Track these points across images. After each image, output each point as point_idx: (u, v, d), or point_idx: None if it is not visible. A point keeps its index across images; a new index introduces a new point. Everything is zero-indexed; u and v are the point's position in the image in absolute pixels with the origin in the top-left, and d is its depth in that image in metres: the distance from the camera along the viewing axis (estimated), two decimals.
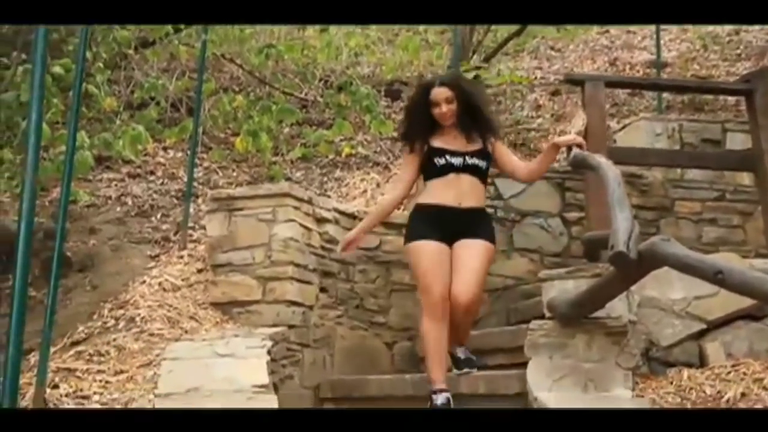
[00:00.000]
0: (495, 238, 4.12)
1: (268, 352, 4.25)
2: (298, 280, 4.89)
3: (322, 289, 5.19)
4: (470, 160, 4.02)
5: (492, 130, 4.16)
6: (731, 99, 7.72)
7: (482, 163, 4.06)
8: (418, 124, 4.10)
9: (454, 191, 3.98)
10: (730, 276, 3.02)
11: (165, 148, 7.12)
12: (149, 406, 3.65)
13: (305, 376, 4.86)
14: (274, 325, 4.68)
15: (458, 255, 3.96)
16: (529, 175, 4.19)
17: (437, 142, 4.08)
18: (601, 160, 4.36)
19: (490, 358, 4.71)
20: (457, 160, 4.00)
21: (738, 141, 6.55)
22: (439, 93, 4.03)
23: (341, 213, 5.47)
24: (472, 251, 3.96)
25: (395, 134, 7.67)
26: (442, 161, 4.00)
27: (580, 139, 4.07)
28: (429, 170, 4.07)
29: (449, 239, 3.98)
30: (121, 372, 4.00)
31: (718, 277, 3.04)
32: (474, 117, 4.08)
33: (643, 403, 3.98)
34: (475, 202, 4.03)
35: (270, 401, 3.72)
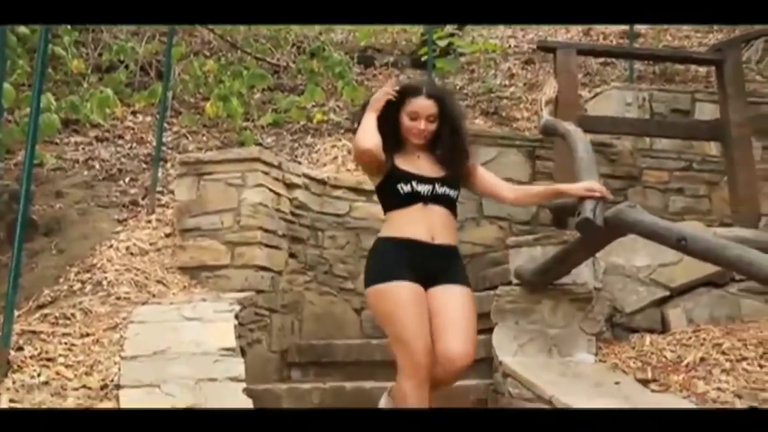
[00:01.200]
0: (468, 280, 3.34)
1: (236, 316, 4.25)
2: (267, 245, 4.88)
3: (291, 255, 5.19)
4: (440, 189, 3.23)
5: (467, 156, 3.38)
6: (702, 70, 7.78)
7: (453, 193, 3.29)
8: (385, 131, 3.21)
9: (425, 225, 3.19)
10: (693, 243, 3.07)
11: (134, 112, 7.04)
12: (115, 368, 3.64)
13: (273, 341, 4.87)
14: (243, 290, 4.67)
15: (442, 306, 3.15)
16: (516, 199, 3.48)
17: (402, 162, 3.25)
18: (570, 127, 4.39)
19: None
20: (424, 188, 3.20)
21: (707, 111, 6.61)
22: (424, 106, 3.25)
23: (311, 179, 5.45)
24: (456, 302, 3.17)
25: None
26: (407, 188, 3.19)
27: (588, 190, 3.35)
28: (390, 197, 3.24)
29: (423, 281, 3.16)
30: (87, 335, 3.98)
31: (681, 244, 3.09)
32: (452, 143, 3.30)
33: (605, 368, 4.05)
34: (448, 238, 3.24)
35: (236, 364, 3.72)
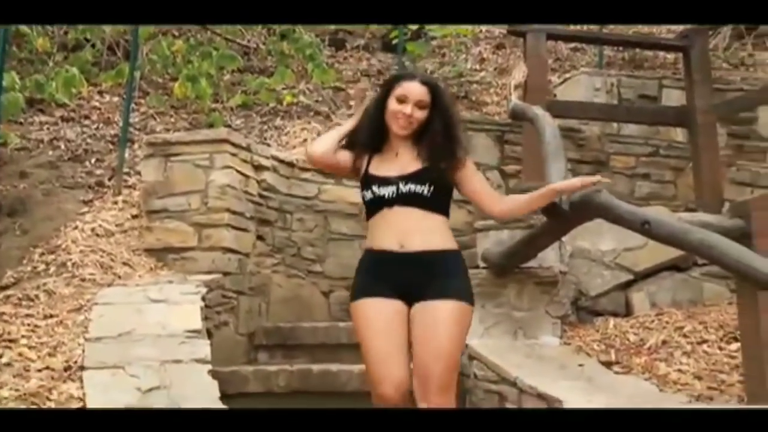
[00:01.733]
0: (470, 291, 2.81)
1: (203, 299, 4.23)
2: (235, 228, 4.86)
3: (259, 237, 5.17)
4: (405, 187, 2.81)
5: (453, 153, 2.90)
6: (670, 57, 7.84)
7: (421, 188, 2.82)
8: (369, 128, 2.92)
9: (391, 231, 2.81)
10: (657, 227, 3.12)
11: (101, 92, 6.93)
12: (79, 350, 3.61)
13: (240, 323, 4.86)
14: (210, 272, 4.65)
15: (417, 328, 2.72)
16: (501, 212, 2.96)
17: (375, 165, 2.91)
18: (538, 112, 4.42)
19: None
20: (387, 191, 2.82)
21: (674, 97, 6.66)
22: (415, 90, 2.85)
23: (280, 161, 5.43)
24: (435, 321, 2.70)
25: (337, 83, 7.64)
26: (369, 194, 2.86)
27: (581, 183, 2.97)
28: (364, 205, 2.94)
29: (404, 294, 2.77)
30: (51, 316, 3.94)
31: (645, 228, 3.14)
32: (442, 136, 2.87)
33: (570, 351, 4.10)
34: (425, 243, 2.78)
35: (202, 346, 3.71)
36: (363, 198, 2.90)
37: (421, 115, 2.85)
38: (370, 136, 2.90)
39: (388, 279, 2.77)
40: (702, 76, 5.73)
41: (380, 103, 2.89)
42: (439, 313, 2.70)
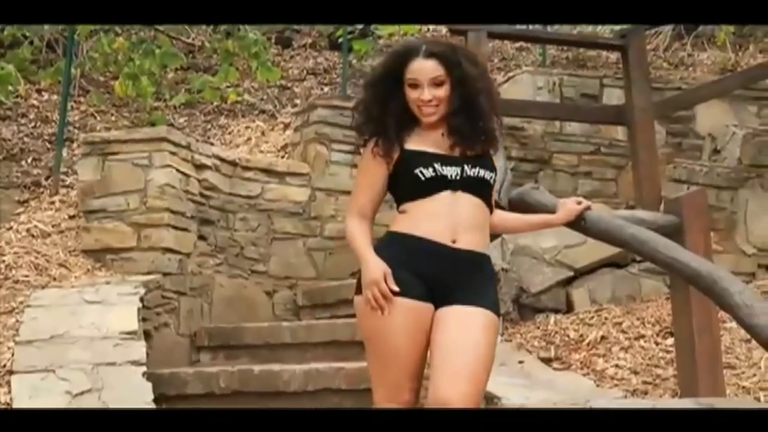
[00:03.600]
0: (498, 304, 2.56)
1: (141, 300, 4.17)
2: (175, 227, 4.80)
3: (201, 237, 5.10)
4: (471, 170, 2.48)
5: (495, 135, 2.58)
6: (612, 56, 7.95)
7: (489, 174, 2.52)
8: (389, 111, 2.51)
9: (446, 220, 2.43)
10: (592, 223, 3.15)
11: (39, 90, 6.79)
12: (8, 354, 3.53)
13: (181, 324, 4.79)
14: (149, 273, 4.59)
15: (448, 336, 2.38)
16: (500, 226, 2.79)
17: (416, 142, 2.52)
18: None
19: None
20: (451, 170, 2.46)
21: (615, 96, 6.74)
22: (423, 68, 2.48)
23: (222, 160, 5.36)
24: (469, 332, 2.37)
25: (283, 82, 7.59)
26: (429, 172, 2.45)
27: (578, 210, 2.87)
28: (407, 185, 2.49)
29: (433, 295, 2.43)
30: None
31: (581, 225, 3.16)
32: (473, 116, 2.50)
33: (511, 348, 4.13)
34: (476, 241, 2.47)
35: (137, 348, 3.65)
36: (416, 176, 2.45)
37: (441, 92, 2.48)
38: (400, 123, 2.51)
39: (426, 273, 2.41)
40: (640, 75, 5.81)
41: (393, 87, 2.51)
42: (469, 325, 2.39)
